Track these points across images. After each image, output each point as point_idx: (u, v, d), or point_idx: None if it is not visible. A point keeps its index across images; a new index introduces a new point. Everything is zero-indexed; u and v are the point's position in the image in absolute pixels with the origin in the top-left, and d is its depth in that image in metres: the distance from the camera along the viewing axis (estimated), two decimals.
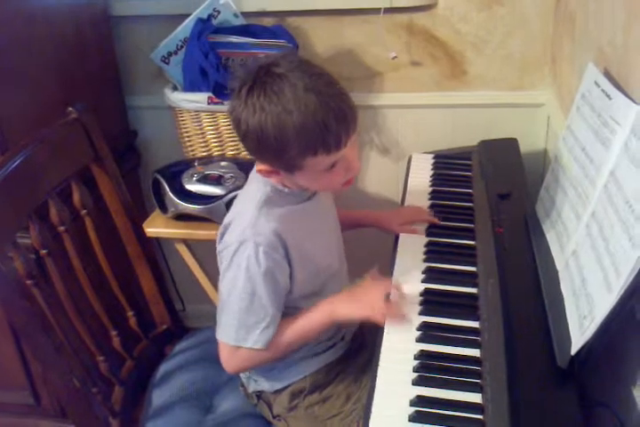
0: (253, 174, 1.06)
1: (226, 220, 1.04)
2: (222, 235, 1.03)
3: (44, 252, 1.07)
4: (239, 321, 1.00)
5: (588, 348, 0.82)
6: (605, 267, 0.83)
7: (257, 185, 1.04)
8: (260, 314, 1.00)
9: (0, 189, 0.97)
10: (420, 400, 0.85)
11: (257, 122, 0.91)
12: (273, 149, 0.93)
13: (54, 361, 0.99)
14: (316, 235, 1.09)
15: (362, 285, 1.07)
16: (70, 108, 1.16)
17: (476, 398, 0.85)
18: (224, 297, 1.02)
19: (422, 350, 0.93)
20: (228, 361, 1.05)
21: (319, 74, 0.94)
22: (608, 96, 0.97)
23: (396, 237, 1.23)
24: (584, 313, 0.84)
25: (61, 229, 1.12)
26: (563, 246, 1.01)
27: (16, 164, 1.00)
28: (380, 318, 1.00)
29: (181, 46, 1.53)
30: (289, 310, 1.07)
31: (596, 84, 1.03)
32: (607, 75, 1.03)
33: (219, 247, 1.04)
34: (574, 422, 0.79)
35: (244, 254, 0.98)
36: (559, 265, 1.00)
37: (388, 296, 1.02)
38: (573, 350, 0.83)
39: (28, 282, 1.00)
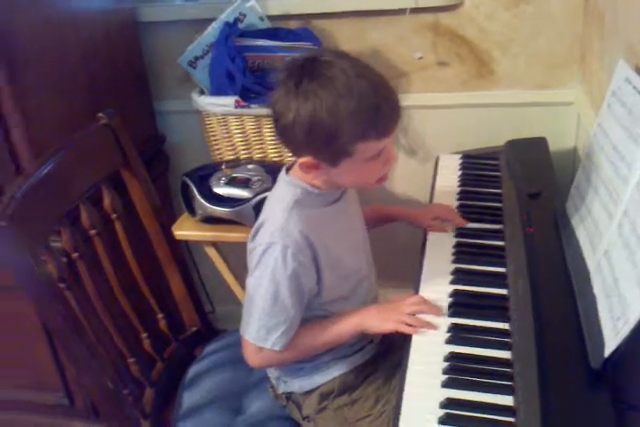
0: (282, 176, 1.07)
1: (258, 221, 1.05)
2: (254, 236, 1.04)
3: (75, 255, 1.08)
4: (260, 321, 1.01)
5: (621, 349, 0.80)
6: (639, 267, 0.81)
7: (286, 187, 1.04)
8: (282, 317, 1.01)
9: (32, 193, 0.99)
10: (450, 403, 0.85)
11: (310, 108, 0.91)
12: (325, 135, 0.93)
13: (87, 363, 1.01)
14: (344, 238, 1.09)
15: (392, 299, 1.07)
16: (100, 114, 1.18)
17: (507, 400, 0.84)
18: (249, 296, 1.03)
19: (452, 352, 0.93)
20: (250, 358, 1.06)
21: (364, 63, 0.97)
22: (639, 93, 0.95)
23: (424, 239, 1.22)
24: (617, 314, 0.83)
25: (92, 232, 1.14)
26: (594, 246, 0.99)
27: (47, 169, 1.02)
28: (408, 330, 0.99)
29: (208, 51, 1.54)
30: (317, 313, 1.07)
31: (627, 80, 1.01)
32: (638, 71, 1.01)
33: (249, 247, 1.04)
34: (607, 425, 0.78)
35: (271, 256, 0.99)
36: (591, 265, 0.98)
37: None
38: (607, 352, 0.81)
39: (61, 285, 1.01)
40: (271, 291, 0.99)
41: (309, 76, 0.92)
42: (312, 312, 1.06)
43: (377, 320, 1.04)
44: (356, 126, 0.92)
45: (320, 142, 0.95)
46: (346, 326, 1.05)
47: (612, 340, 0.82)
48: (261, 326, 1.01)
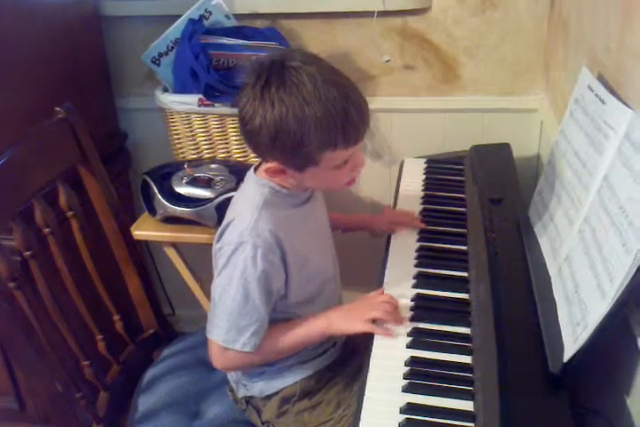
0: (250, 175, 1.05)
1: (225, 220, 1.03)
2: (221, 234, 1.02)
3: (27, 254, 1.05)
4: (230, 323, 0.99)
5: (580, 354, 0.81)
6: (599, 273, 0.82)
7: (254, 186, 1.03)
8: (253, 317, 0.99)
9: None
10: (410, 408, 0.84)
11: (277, 115, 0.89)
12: (291, 143, 0.91)
13: (36, 366, 0.97)
14: (311, 239, 1.09)
15: (358, 300, 1.06)
16: (57, 108, 1.15)
17: (467, 405, 0.84)
18: (217, 297, 1.01)
19: (413, 357, 0.92)
20: (217, 360, 1.04)
21: (333, 68, 0.95)
22: (602, 101, 0.96)
23: (388, 242, 1.22)
24: (577, 320, 0.83)
25: (46, 231, 1.11)
26: (555, 252, 1.00)
27: (0, 163, 0.98)
28: (377, 331, 0.99)
29: (172, 47, 1.51)
30: (283, 315, 1.06)
31: (590, 88, 1.02)
32: (601, 79, 1.02)
33: (216, 246, 1.02)
34: None
35: (241, 256, 0.97)
36: (552, 271, 0.99)
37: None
38: (566, 357, 0.82)
39: (11, 284, 0.98)
40: (241, 291, 0.98)
41: (276, 81, 0.90)
42: (277, 315, 1.05)
43: (344, 321, 1.03)
44: (322, 135, 0.91)
45: (286, 150, 0.94)
46: (313, 329, 1.04)
47: (571, 345, 0.82)
48: (231, 327, 0.99)
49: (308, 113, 0.89)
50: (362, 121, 0.94)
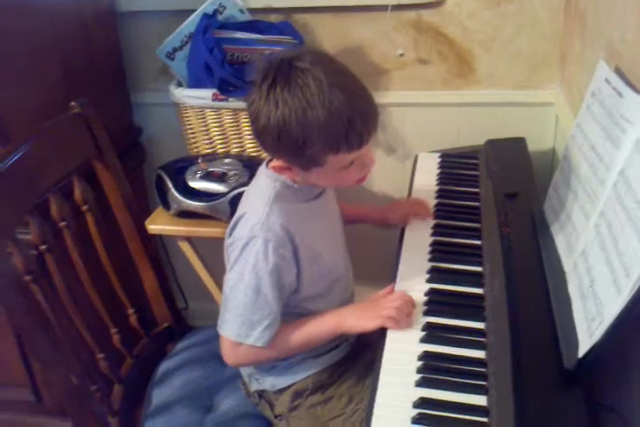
0: (262, 169, 1.05)
1: (237, 214, 1.03)
2: (232, 229, 1.02)
3: (43, 247, 1.05)
4: (242, 317, 0.99)
5: (596, 350, 0.80)
6: (615, 268, 0.81)
7: (266, 180, 1.03)
8: (265, 311, 0.99)
9: None
10: (423, 402, 0.84)
11: (280, 116, 0.89)
12: (294, 144, 0.91)
13: (52, 358, 0.98)
14: (323, 234, 1.09)
15: (371, 298, 1.06)
16: (72, 103, 1.15)
17: (480, 400, 0.84)
18: (228, 291, 1.01)
19: (426, 351, 0.92)
20: (229, 356, 1.04)
21: (343, 71, 0.94)
22: (619, 94, 0.95)
23: (401, 237, 1.22)
24: (592, 315, 0.82)
25: (62, 224, 1.11)
26: (571, 246, 0.99)
27: (16, 158, 0.99)
28: (391, 325, 0.98)
29: (186, 42, 1.52)
30: (295, 310, 1.06)
31: (607, 81, 1.01)
32: (618, 72, 1.01)
33: (228, 241, 1.03)
34: (581, 425, 0.77)
35: (252, 250, 0.97)
36: (567, 266, 0.98)
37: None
38: (581, 353, 0.81)
39: (27, 278, 0.98)
40: (253, 285, 0.98)
41: (282, 82, 0.89)
42: (289, 309, 1.05)
43: (357, 319, 1.03)
44: (325, 139, 0.90)
45: (289, 151, 0.94)
46: (326, 326, 1.04)
47: (586, 341, 0.81)
48: (243, 321, 0.99)
49: (310, 117, 0.88)
50: (366, 128, 0.92)
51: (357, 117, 0.90)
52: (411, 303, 1.01)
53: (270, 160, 1.05)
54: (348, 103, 0.89)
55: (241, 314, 0.99)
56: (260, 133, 0.94)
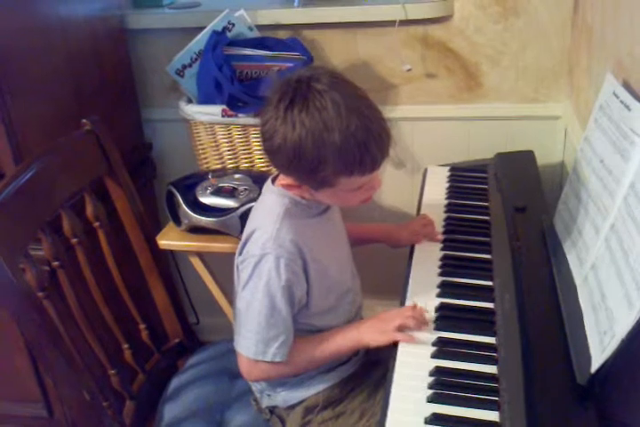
0: (268, 186, 1.06)
1: (246, 231, 1.04)
2: (243, 246, 1.03)
3: (56, 264, 1.06)
4: (259, 335, 1.00)
5: (608, 365, 0.79)
6: (626, 281, 0.80)
7: (274, 197, 1.03)
8: (280, 327, 1.00)
9: (12, 200, 0.97)
10: (435, 418, 0.83)
11: (296, 137, 0.90)
12: (308, 166, 0.92)
13: (65, 374, 0.98)
14: (330, 249, 1.09)
15: (387, 311, 1.05)
16: (84, 120, 1.17)
17: (493, 416, 0.83)
18: (243, 309, 1.02)
19: (438, 367, 0.91)
20: (249, 372, 1.05)
21: (360, 95, 0.94)
22: (627, 107, 0.95)
23: (411, 251, 1.22)
24: (604, 329, 0.82)
25: (74, 241, 1.12)
26: (581, 260, 0.98)
27: (29, 175, 1.00)
28: (405, 339, 0.98)
29: (196, 59, 1.53)
30: (304, 326, 1.06)
31: (615, 95, 1.01)
32: (626, 86, 1.01)
33: (239, 259, 1.03)
34: None
35: (265, 267, 0.98)
36: (578, 279, 0.98)
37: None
38: (594, 368, 0.81)
39: (40, 294, 0.99)
40: (266, 302, 0.98)
41: (300, 103, 0.90)
42: (297, 325, 1.05)
43: (374, 333, 1.02)
44: (340, 162, 0.91)
45: (302, 171, 0.95)
46: (345, 341, 1.04)
47: (598, 355, 0.81)
48: (259, 339, 1.00)
49: (327, 140, 0.89)
50: (380, 152, 0.93)
51: (373, 142, 0.91)
52: (422, 314, 1.01)
53: (276, 177, 1.05)
54: (363, 128, 0.90)
55: (258, 331, 0.99)
56: (273, 152, 0.95)
